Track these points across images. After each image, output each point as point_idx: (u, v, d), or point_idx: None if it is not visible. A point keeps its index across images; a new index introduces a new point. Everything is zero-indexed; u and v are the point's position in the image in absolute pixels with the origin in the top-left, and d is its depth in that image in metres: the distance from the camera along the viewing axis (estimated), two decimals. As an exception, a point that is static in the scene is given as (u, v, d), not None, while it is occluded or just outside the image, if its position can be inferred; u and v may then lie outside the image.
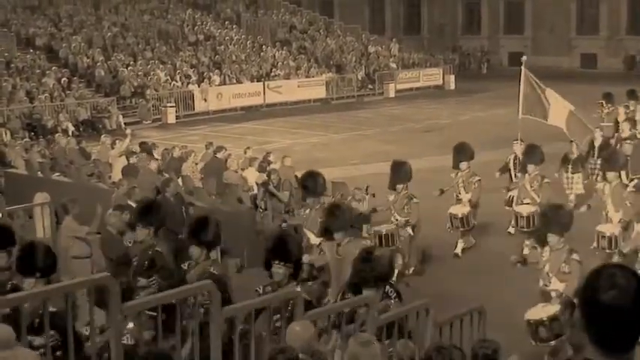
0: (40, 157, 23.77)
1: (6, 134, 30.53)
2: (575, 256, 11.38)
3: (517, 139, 19.22)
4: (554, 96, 19.49)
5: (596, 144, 20.36)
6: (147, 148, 22.14)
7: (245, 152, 22.18)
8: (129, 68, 41.76)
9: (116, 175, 20.13)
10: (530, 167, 16.60)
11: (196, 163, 21.26)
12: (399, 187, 15.78)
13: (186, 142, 26.67)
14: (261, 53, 48.73)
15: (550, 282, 11.47)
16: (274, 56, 48.60)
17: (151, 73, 41.63)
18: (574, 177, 19.81)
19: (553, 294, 11.24)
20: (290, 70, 47.08)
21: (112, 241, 12.93)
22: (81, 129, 35.10)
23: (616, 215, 14.91)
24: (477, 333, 9.77)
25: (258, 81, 44.39)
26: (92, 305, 6.67)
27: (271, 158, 21.28)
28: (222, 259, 15.96)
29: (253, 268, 16.32)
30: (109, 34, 45.44)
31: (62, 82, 38.43)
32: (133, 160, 20.07)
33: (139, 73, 41.54)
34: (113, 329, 6.71)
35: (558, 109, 19.24)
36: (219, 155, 20.83)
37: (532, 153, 16.82)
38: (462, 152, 17.39)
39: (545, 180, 16.57)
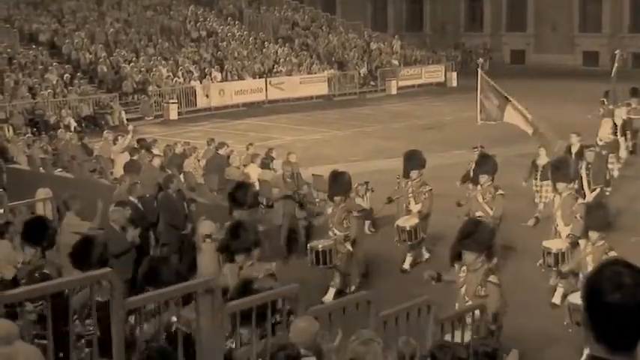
0: (43, 153, 23.79)
1: (8, 130, 30.56)
2: (492, 278, 10.25)
3: (477, 146, 18.67)
4: (512, 103, 19.13)
5: (574, 150, 19.33)
6: (145, 145, 22.13)
7: (247, 149, 22.17)
8: (131, 64, 41.79)
9: (118, 171, 20.12)
10: (483, 178, 15.36)
11: (199, 160, 21.26)
12: (337, 199, 14.49)
13: (188, 139, 26.66)
14: (264, 50, 48.74)
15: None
16: (276, 53, 48.60)
17: (154, 69, 41.65)
18: (543, 184, 18.38)
19: (468, 320, 9.78)
20: (292, 66, 47.07)
21: (114, 236, 12.93)
22: (83, 125, 35.12)
23: (565, 230, 13.85)
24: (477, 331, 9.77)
25: (260, 77, 44.40)
26: (94, 303, 6.68)
27: (273, 154, 21.26)
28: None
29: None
30: (112, 30, 45.48)
31: (65, 78, 38.47)
32: (136, 156, 20.07)
33: (142, 69, 41.55)
34: (116, 325, 6.71)
35: (516, 114, 18.93)
36: (221, 152, 20.82)
37: (484, 162, 15.66)
38: (413, 160, 16.21)
39: (499, 192, 15.21)
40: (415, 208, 15.83)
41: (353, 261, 14.62)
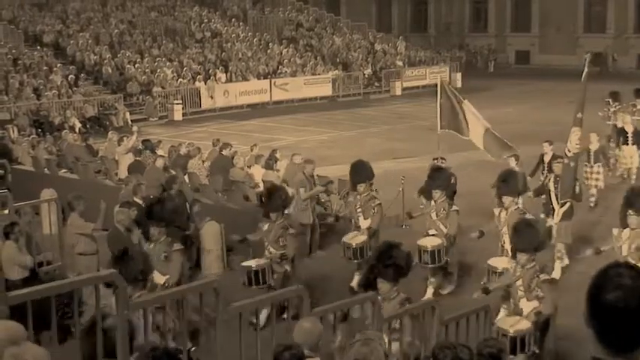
0: (47, 154, 23.81)
1: (13, 131, 30.56)
2: (401, 309, 9.61)
3: (437, 157, 17.99)
4: (471, 111, 18.12)
5: (547, 159, 18.70)
6: (149, 146, 22.16)
7: (251, 149, 22.18)
8: (136, 65, 41.82)
9: (123, 172, 20.15)
10: (436, 193, 14.26)
11: (203, 161, 21.27)
12: (273, 215, 13.33)
13: (192, 139, 26.66)
14: (268, 51, 48.76)
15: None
16: (281, 54, 48.61)
17: (158, 70, 41.67)
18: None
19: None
20: (296, 67, 47.09)
21: (119, 237, 12.95)
22: (88, 126, 35.13)
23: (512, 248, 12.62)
24: (483, 331, 9.77)
25: (264, 78, 44.41)
26: (98, 302, 6.68)
27: (278, 155, 21.27)
28: (228, 255, 16.06)
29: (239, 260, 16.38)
30: (116, 31, 45.52)
31: (69, 79, 38.50)
32: (141, 157, 20.09)
33: (146, 70, 41.59)
34: (120, 324, 6.72)
35: (475, 125, 17.90)
36: (225, 152, 20.83)
37: (437, 176, 14.55)
38: (359, 172, 14.95)
39: (453, 208, 14.24)
40: (364, 224, 14.61)
41: (291, 283, 12.26)
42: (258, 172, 20.35)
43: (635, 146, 22.04)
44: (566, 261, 15.45)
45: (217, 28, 50.34)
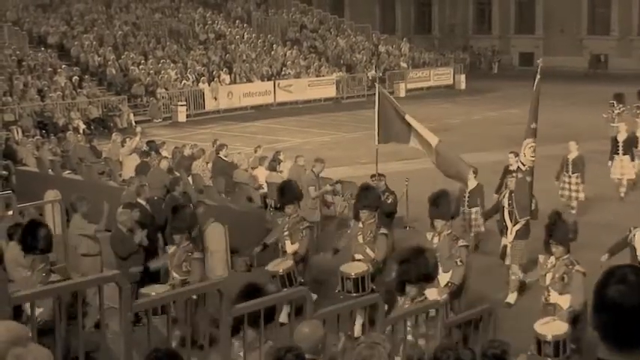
0: (51, 155, 23.84)
1: (17, 132, 30.62)
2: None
3: (375, 174, 16.83)
4: (416, 124, 16.89)
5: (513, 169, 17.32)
6: (153, 147, 22.18)
7: (255, 151, 22.20)
8: (140, 67, 41.85)
9: (126, 173, 20.17)
10: (363, 214, 12.79)
11: (207, 162, 21.29)
12: (177, 237, 11.99)
13: (196, 141, 26.67)
14: (272, 52, 48.79)
15: None
16: (285, 55, 48.63)
17: (162, 72, 41.71)
18: (472, 211, 16.85)
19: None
20: (300, 69, 47.11)
21: (122, 238, 12.96)
22: (92, 127, 35.16)
23: (444, 277, 11.57)
24: (486, 333, 9.77)
25: (268, 80, 44.43)
26: (102, 302, 6.69)
27: (281, 157, 21.28)
28: (232, 257, 16.07)
29: (262, 266, 16.39)
30: (120, 32, 45.57)
31: (73, 80, 38.53)
32: (148, 158, 20.10)
33: (150, 71, 41.61)
34: (124, 326, 6.72)
35: (424, 135, 16.59)
36: (222, 154, 20.81)
37: (365, 196, 13.07)
38: (287, 193, 13.57)
39: (381, 231, 12.79)
40: (290, 248, 13.28)
41: (197, 314, 10.58)
42: (261, 174, 20.37)
43: (627, 156, 21.31)
44: (525, 278, 13.74)
45: (221, 29, 50.38)
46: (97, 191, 17.88)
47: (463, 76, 52.61)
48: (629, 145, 21.41)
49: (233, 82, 43.22)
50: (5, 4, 45.67)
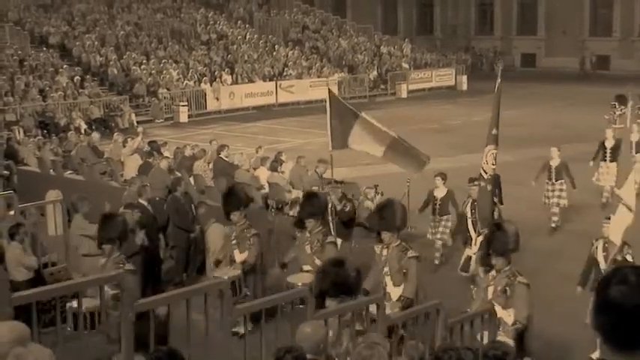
0: (53, 155, 23.84)
1: (19, 132, 30.63)
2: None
3: (331, 181, 16.36)
4: (370, 123, 16.05)
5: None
6: (155, 147, 22.19)
7: (257, 151, 22.21)
8: (142, 67, 41.87)
9: (128, 173, 20.18)
10: (309, 222, 12.26)
11: (208, 163, 21.29)
12: (107, 247, 11.03)
13: (198, 141, 26.71)
14: (274, 53, 48.80)
15: None
16: (286, 56, 48.64)
17: (164, 72, 41.73)
18: (442, 219, 16.49)
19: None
20: (302, 69, 47.12)
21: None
22: (93, 127, 35.13)
23: (395, 291, 11.04)
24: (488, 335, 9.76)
25: (270, 80, 44.44)
26: (103, 302, 6.70)
27: (283, 157, 21.28)
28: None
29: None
30: (122, 32, 45.58)
31: (75, 80, 38.54)
32: (150, 159, 20.10)
33: (152, 71, 41.62)
34: (125, 325, 6.73)
35: (378, 138, 15.69)
36: (223, 154, 20.82)
37: (310, 203, 12.44)
38: (232, 199, 12.88)
39: (329, 239, 12.31)
40: (239, 257, 12.67)
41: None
42: (263, 174, 20.38)
43: (614, 163, 20.69)
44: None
45: (223, 30, 50.39)
46: (99, 191, 17.89)
47: (465, 77, 52.60)
48: (617, 151, 20.81)
49: (235, 82, 43.24)
50: (7, 4, 45.68)
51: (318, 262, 11.56)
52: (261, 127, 36.62)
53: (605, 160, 20.70)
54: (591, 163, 20.84)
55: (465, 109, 41.44)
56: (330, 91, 16.95)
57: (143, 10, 50.26)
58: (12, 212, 14.51)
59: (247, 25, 52.63)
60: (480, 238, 13.65)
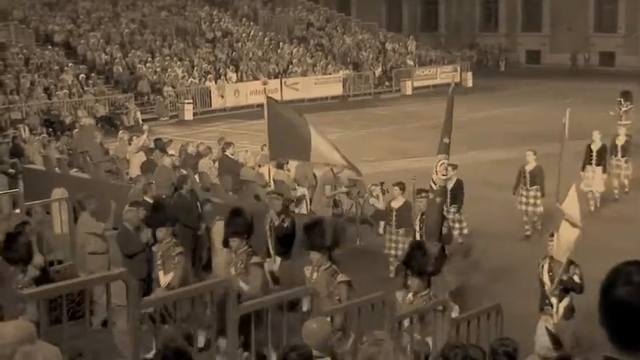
0: (58, 153, 23.86)
1: (24, 130, 30.67)
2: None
3: (273, 193, 15.23)
4: (312, 128, 14.93)
5: (450, 187, 16.18)
6: (160, 145, 22.19)
7: (262, 149, 22.16)
8: (147, 65, 41.90)
9: (133, 171, 20.19)
10: (234, 242, 10.99)
11: (214, 161, 21.29)
12: (12, 269, 9.59)
13: (203, 139, 26.69)
14: (278, 50, 48.79)
15: None
16: (291, 53, 48.62)
17: (169, 70, 41.76)
18: (399, 231, 15.50)
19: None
20: (307, 67, 47.10)
21: (128, 237, 12.96)
22: (99, 125, 35.18)
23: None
24: (494, 331, 9.76)
25: (275, 78, 44.40)
26: (109, 300, 6.69)
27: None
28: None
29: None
30: (127, 30, 45.60)
31: (80, 78, 38.57)
32: (152, 156, 20.12)
33: (157, 69, 41.66)
34: (131, 323, 6.73)
35: (323, 143, 14.82)
36: (228, 152, 20.81)
37: (235, 222, 11.23)
38: (156, 215, 11.74)
39: (254, 260, 10.90)
40: (163, 279, 11.23)
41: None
42: (268, 172, 20.36)
43: (599, 167, 19.73)
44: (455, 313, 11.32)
45: (228, 27, 50.39)
46: (104, 189, 17.89)
47: (470, 74, 52.55)
48: (604, 155, 19.86)
49: (240, 80, 43.24)
50: (12, 3, 45.72)
51: (243, 285, 10.34)
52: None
53: (592, 164, 19.73)
54: (582, 174, 19.52)
55: (470, 106, 41.32)
56: (269, 98, 15.63)
57: (148, 7, 50.28)
58: (18, 210, 14.53)
59: (252, 23, 52.62)
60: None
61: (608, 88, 36.04)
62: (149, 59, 42.67)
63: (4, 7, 45.17)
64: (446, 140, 12.76)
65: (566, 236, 11.35)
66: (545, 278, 11.45)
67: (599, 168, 19.68)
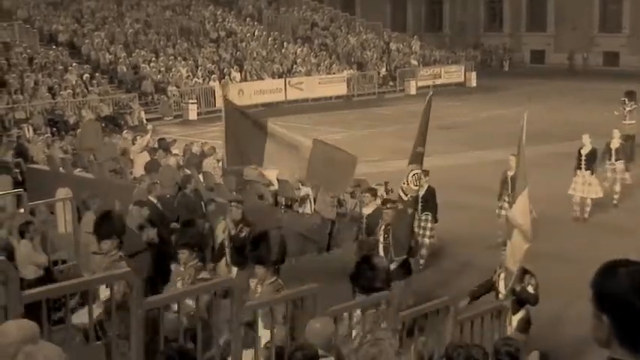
0: (62, 153, 23.87)
1: (28, 130, 30.68)
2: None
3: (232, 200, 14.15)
4: (279, 132, 13.19)
5: (421, 194, 15.21)
6: (164, 145, 22.19)
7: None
8: (151, 64, 41.92)
9: (137, 170, 20.18)
10: (183, 254, 10.04)
11: (218, 160, 21.28)
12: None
13: (207, 139, 26.71)
14: (283, 50, 48.80)
15: None
16: (295, 53, 48.64)
17: (173, 70, 41.77)
18: (379, 236, 13.66)
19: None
20: (311, 66, 47.11)
21: (131, 236, 12.94)
22: (103, 125, 35.19)
23: (266, 334, 8.41)
24: (498, 331, 9.75)
25: (279, 78, 44.44)
26: (113, 300, 6.69)
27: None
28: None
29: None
30: (131, 30, 45.65)
31: (84, 78, 38.59)
32: (156, 156, 20.12)
33: (161, 69, 41.68)
34: (135, 323, 6.73)
35: (291, 148, 12.98)
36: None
37: (183, 232, 10.64)
38: (103, 226, 10.02)
39: (201, 275, 9.78)
40: (104, 293, 8.49)
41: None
42: (272, 171, 20.33)
43: (588, 172, 18.99)
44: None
45: (232, 27, 50.42)
46: (108, 189, 17.89)
47: (474, 74, 52.55)
48: (593, 159, 19.11)
49: (244, 79, 43.25)
50: (16, 2, 45.82)
51: (189, 301, 8.81)
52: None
53: (581, 169, 19.04)
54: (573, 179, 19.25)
55: (474, 106, 41.40)
56: (226, 100, 14.25)
57: (152, 7, 50.34)
58: (22, 210, 14.54)
59: (256, 23, 52.65)
60: (392, 266, 11.85)
61: (612, 88, 36.00)
62: (153, 59, 42.69)
63: (8, 6, 45.28)
64: (420, 149, 12.29)
65: (517, 245, 10.82)
66: (501, 287, 11.03)
67: (588, 172, 18.99)
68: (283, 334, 8.36)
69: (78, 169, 22.16)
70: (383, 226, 13.06)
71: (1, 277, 6.26)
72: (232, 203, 13.75)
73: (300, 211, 18.72)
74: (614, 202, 20.40)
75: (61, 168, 22.21)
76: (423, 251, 15.94)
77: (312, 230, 17.78)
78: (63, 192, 16.37)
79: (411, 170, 12.16)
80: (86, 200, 13.99)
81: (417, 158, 12.22)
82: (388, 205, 13.21)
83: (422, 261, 15.90)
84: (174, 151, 21.66)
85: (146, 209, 13.46)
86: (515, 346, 7.44)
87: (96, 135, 23.86)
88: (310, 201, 19.08)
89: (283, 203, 18.48)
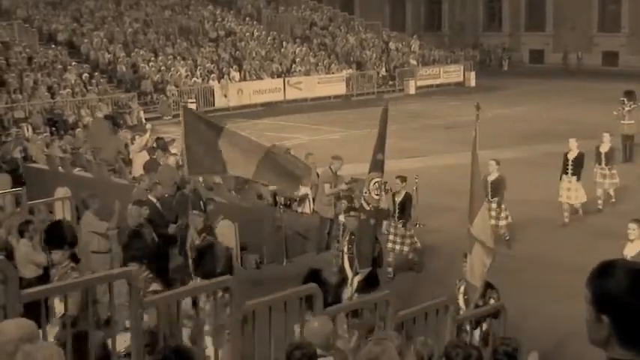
0: (61, 152, 23.86)
1: (27, 129, 30.66)
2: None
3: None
4: (238, 137, 12.82)
5: (398, 200, 15.69)
6: (162, 144, 22.18)
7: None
8: (150, 64, 41.91)
9: (136, 170, 20.17)
10: (56, 254, 9.39)
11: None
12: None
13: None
14: (282, 49, 48.80)
15: None
16: (294, 52, 48.63)
17: (172, 69, 41.77)
18: (343, 247, 13.35)
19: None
20: (310, 66, 47.10)
21: (129, 235, 12.96)
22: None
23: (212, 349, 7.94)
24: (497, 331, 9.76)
25: (278, 77, 44.44)
26: (112, 300, 6.69)
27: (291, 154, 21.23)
28: (242, 254, 16.08)
29: (272, 263, 16.41)
30: (130, 29, 45.64)
31: (83, 77, 38.59)
32: (155, 155, 20.11)
33: (160, 68, 41.68)
34: (133, 322, 6.73)
35: (248, 154, 12.49)
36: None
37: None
38: (53, 236, 9.80)
39: (153, 286, 9.28)
40: (59, 306, 7.98)
41: None
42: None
43: (574, 177, 18.46)
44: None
45: (231, 26, 50.41)
46: (107, 188, 17.91)
47: (473, 74, 52.56)
48: (580, 164, 18.54)
49: (243, 79, 43.27)
50: (15, 1, 45.81)
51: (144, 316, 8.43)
52: (269, 123, 36.61)
53: (567, 174, 18.60)
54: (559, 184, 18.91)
55: (473, 106, 41.33)
56: (185, 108, 14.01)
57: (151, 7, 50.33)
58: (20, 209, 14.54)
59: (255, 22, 52.66)
60: (358, 278, 11.84)
61: (611, 87, 36.01)
62: (152, 58, 42.69)
63: (7, 6, 45.25)
64: (379, 157, 11.96)
65: (478, 261, 10.53)
66: (461, 301, 10.68)
67: (574, 177, 18.47)
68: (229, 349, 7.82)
69: (77, 169, 22.18)
70: (347, 237, 12.75)
71: (0, 276, 6.26)
72: (194, 212, 13.45)
73: (299, 210, 18.73)
74: (599, 207, 19.73)
75: (60, 167, 22.22)
76: (390, 259, 15.50)
77: (311, 230, 17.79)
78: (62, 191, 16.38)
79: (372, 179, 11.82)
80: (85, 199, 13.99)
81: (377, 166, 11.91)
82: (352, 214, 12.82)
83: (390, 269, 15.49)
84: (173, 150, 21.64)
85: (145, 209, 13.47)
86: (512, 345, 7.45)
87: (106, 133, 23.84)
88: (309, 200, 19.08)
89: (282, 203, 18.47)
